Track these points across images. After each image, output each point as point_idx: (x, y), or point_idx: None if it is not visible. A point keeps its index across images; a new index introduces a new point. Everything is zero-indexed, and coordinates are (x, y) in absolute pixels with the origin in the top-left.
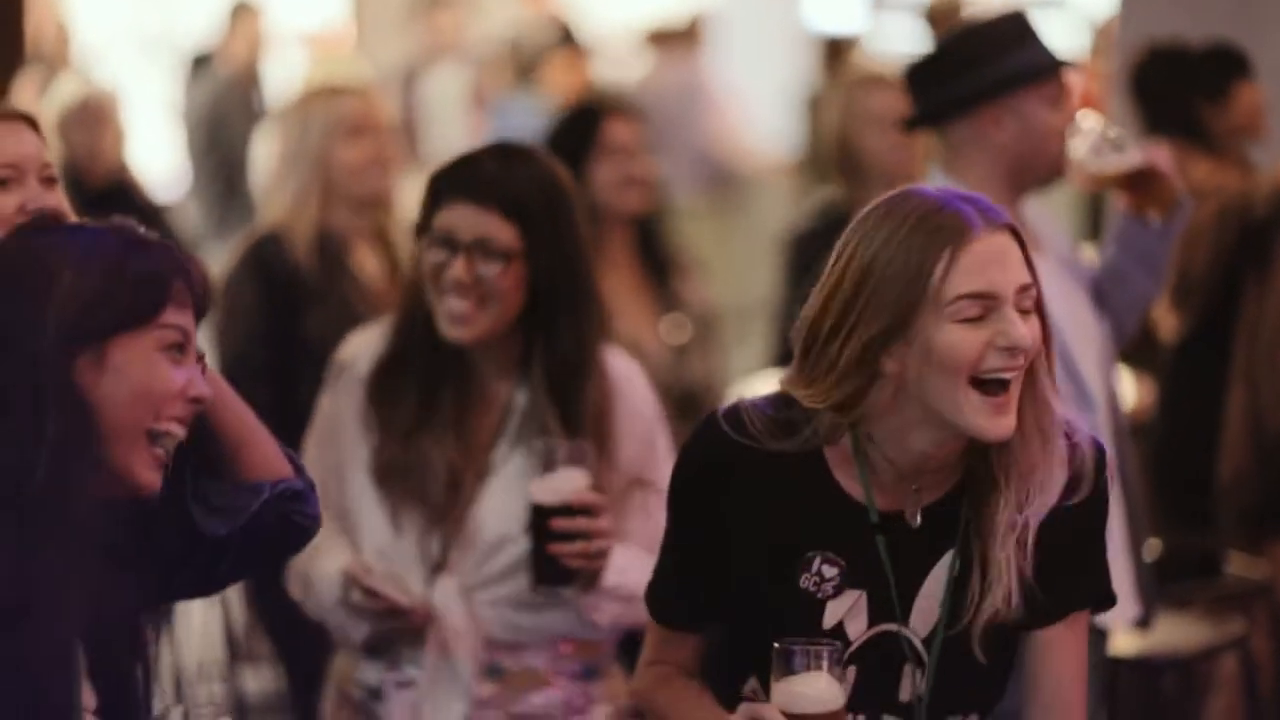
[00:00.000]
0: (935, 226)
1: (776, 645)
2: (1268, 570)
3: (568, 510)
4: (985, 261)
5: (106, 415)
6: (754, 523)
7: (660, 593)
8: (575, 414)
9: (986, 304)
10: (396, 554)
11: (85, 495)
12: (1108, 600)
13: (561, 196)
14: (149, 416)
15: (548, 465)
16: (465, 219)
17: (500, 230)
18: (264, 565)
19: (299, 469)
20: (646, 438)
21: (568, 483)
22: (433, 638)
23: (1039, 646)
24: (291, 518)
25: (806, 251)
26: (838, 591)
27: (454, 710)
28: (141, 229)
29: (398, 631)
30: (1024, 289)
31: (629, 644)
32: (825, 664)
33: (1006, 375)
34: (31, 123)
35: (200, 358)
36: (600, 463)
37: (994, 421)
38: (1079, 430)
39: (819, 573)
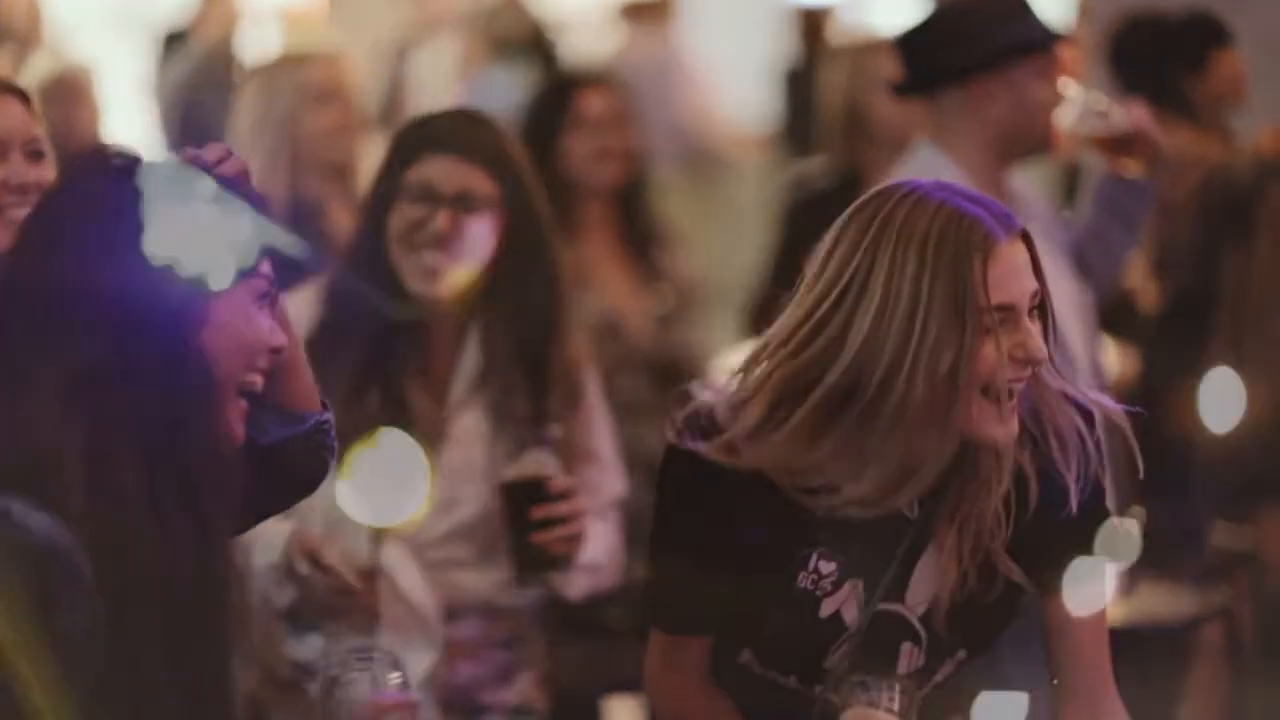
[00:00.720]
0: (963, 239)
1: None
2: (1252, 539)
3: (546, 498)
4: (1007, 273)
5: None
6: (747, 523)
7: (661, 601)
8: (543, 370)
9: (1004, 315)
10: (347, 516)
11: (227, 455)
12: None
13: (522, 153)
14: (245, 369)
15: (517, 454)
16: (446, 172)
17: (482, 182)
18: (290, 502)
19: (325, 405)
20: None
21: (539, 470)
22: (388, 600)
23: (1058, 624)
24: (321, 452)
25: (814, 219)
26: (836, 587)
27: (423, 662)
28: (221, 157)
29: (337, 609)
30: (1034, 294)
31: (550, 612)
32: (894, 702)
33: (1017, 385)
34: (20, 94)
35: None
36: (569, 423)
37: (1001, 429)
38: (1083, 400)
39: (816, 569)
